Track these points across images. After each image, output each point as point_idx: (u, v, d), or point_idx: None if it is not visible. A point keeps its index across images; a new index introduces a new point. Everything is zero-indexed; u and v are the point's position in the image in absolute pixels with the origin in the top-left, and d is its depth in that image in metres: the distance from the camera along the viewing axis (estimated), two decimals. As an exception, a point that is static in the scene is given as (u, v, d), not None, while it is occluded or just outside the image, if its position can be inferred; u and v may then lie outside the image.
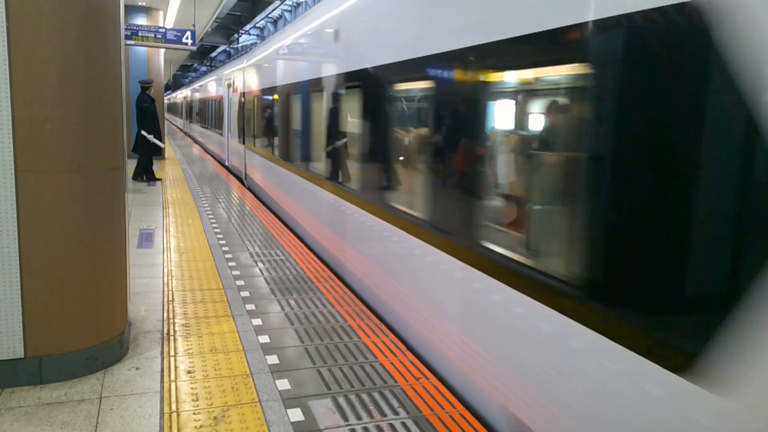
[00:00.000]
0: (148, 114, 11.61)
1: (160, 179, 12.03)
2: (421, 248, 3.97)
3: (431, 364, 3.88)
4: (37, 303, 3.36)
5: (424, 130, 4.12)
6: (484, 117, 3.30)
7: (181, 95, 38.50)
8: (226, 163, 15.83)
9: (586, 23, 2.39)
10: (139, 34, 13.87)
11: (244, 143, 12.54)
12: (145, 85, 11.88)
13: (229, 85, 15.12)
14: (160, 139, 11.67)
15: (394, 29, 4.52)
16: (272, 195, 9.69)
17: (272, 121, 9.57)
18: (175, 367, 3.65)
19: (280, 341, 4.15)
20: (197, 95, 25.62)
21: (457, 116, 3.60)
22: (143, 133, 11.42)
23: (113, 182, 3.68)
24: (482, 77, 3.25)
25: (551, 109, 3.50)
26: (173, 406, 3.19)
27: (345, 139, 5.83)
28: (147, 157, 11.78)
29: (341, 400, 3.33)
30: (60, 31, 3.25)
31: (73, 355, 3.46)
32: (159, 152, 11.95)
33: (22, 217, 3.26)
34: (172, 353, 3.86)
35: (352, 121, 5.54)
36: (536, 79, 3.59)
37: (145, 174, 11.76)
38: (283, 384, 3.49)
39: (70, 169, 3.36)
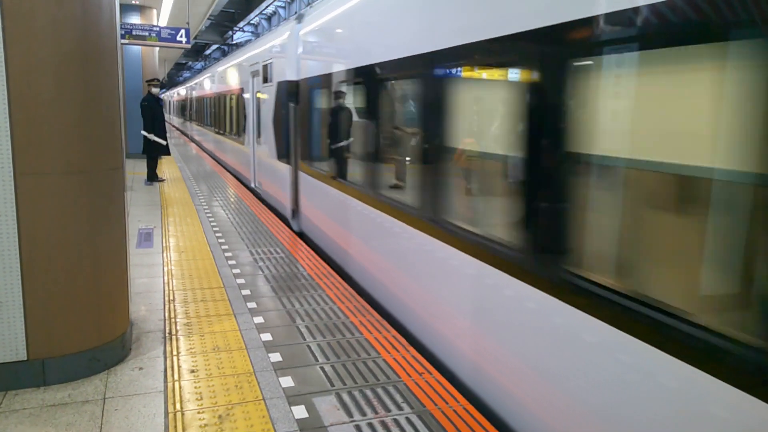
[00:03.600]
0: (157, 115, 11.46)
1: (163, 179, 12.00)
2: None
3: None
4: (38, 305, 3.35)
5: None
6: None
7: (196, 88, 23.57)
8: None
9: None
10: (134, 33, 13.80)
11: None
12: (152, 83, 11.52)
13: None
14: (164, 138, 11.62)
15: None
16: None
17: None
18: (179, 367, 3.66)
19: (283, 339, 4.15)
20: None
21: None
22: (143, 132, 11.33)
23: (112, 183, 3.67)
24: None
25: None
26: (177, 406, 3.20)
27: None
28: (154, 158, 11.70)
29: (345, 397, 3.34)
30: (56, 32, 3.23)
31: (75, 357, 3.46)
32: (167, 151, 11.86)
33: (23, 219, 3.25)
34: (174, 353, 3.86)
35: None
36: None
37: (149, 173, 11.72)
38: (287, 381, 3.50)
39: (69, 171, 3.35)
